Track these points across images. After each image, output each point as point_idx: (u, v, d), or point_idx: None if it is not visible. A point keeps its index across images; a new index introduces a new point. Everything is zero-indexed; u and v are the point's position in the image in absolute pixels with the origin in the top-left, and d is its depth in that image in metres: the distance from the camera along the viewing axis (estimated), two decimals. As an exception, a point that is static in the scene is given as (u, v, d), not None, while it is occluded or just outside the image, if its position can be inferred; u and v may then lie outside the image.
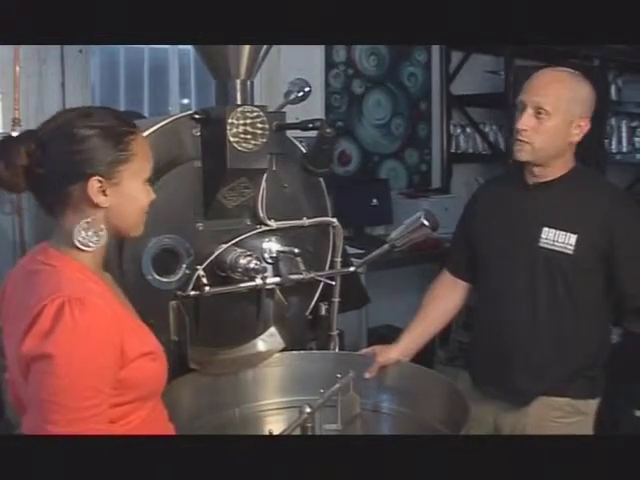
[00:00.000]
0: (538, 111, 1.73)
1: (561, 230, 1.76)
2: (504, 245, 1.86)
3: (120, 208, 1.23)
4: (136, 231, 1.30)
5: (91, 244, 1.22)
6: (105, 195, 1.21)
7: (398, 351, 1.88)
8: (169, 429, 1.35)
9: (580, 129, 1.77)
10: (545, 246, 1.78)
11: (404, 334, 1.94)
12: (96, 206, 1.21)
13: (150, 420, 1.26)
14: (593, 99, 1.79)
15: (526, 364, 1.81)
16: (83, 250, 1.22)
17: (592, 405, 1.86)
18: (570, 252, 1.75)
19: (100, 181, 1.20)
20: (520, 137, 1.76)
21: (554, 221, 1.78)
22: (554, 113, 1.72)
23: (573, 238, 1.75)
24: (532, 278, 1.80)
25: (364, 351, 1.94)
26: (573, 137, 1.77)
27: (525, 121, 1.74)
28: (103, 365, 1.13)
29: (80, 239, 1.21)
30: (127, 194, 1.23)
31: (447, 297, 2.01)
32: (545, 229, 1.78)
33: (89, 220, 1.21)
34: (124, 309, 1.26)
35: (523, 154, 1.77)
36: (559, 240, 1.76)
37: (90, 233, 1.22)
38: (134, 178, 1.24)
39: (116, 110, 1.30)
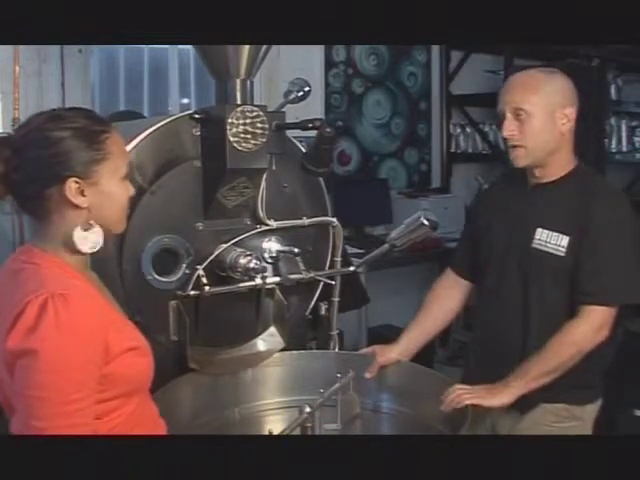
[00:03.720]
0: (517, 113, 1.73)
1: (554, 231, 1.74)
2: (501, 245, 1.85)
3: (100, 207, 1.23)
4: (119, 227, 1.31)
5: (98, 245, 1.24)
6: (84, 195, 1.21)
7: (398, 351, 1.88)
8: (158, 425, 1.35)
9: (567, 117, 1.75)
10: (537, 247, 1.76)
11: (404, 334, 1.94)
12: (76, 207, 1.21)
13: (136, 416, 1.26)
14: (571, 88, 1.78)
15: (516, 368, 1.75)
16: (84, 253, 1.23)
17: (589, 411, 1.83)
18: (562, 254, 1.72)
19: (77, 182, 1.20)
20: (510, 143, 1.75)
21: (548, 222, 1.75)
22: (532, 109, 1.71)
23: (565, 240, 1.72)
24: (525, 280, 1.79)
25: (364, 351, 1.94)
26: (561, 127, 1.75)
27: (508, 126, 1.74)
28: (87, 360, 1.14)
29: (87, 244, 1.22)
30: (106, 192, 1.24)
31: (448, 297, 2.01)
32: (539, 230, 1.76)
33: (79, 226, 1.22)
34: (108, 306, 1.27)
35: (520, 160, 1.76)
36: (551, 241, 1.74)
37: (90, 235, 1.23)
38: (111, 176, 1.24)
39: (88, 110, 1.30)
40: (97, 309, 1.18)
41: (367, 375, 1.82)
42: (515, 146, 1.75)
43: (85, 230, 1.22)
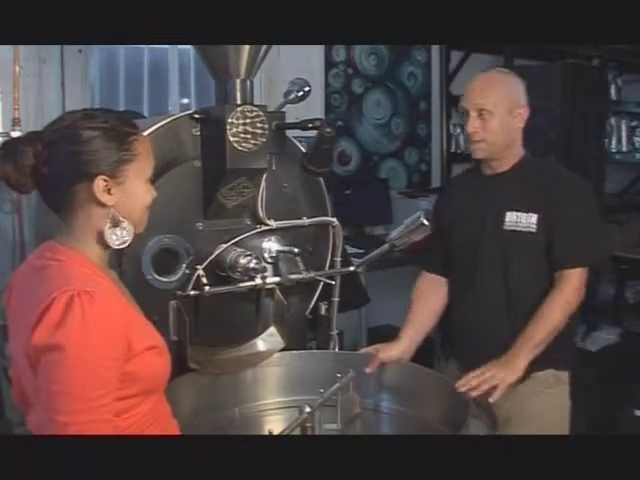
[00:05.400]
0: (481, 112, 1.90)
1: (522, 212, 1.90)
2: (472, 235, 1.97)
3: (124, 206, 1.26)
4: (139, 228, 1.33)
5: (127, 239, 1.27)
6: (110, 194, 1.24)
7: (398, 349, 1.90)
8: (172, 425, 1.36)
9: (521, 116, 1.94)
10: (510, 228, 1.90)
11: (402, 334, 1.96)
12: (101, 204, 1.24)
13: (153, 414, 1.28)
14: (523, 88, 1.97)
15: (504, 345, 1.82)
16: (113, 247, 1.26)
17: (567, 376, 1.98)
18: (534, 230, 1.88)
19: (105, 180, 1.23)
20: (473, 139, 1.94)
21: (515, 204, 1.91)
22: (495, 110, 1.89)
23: (534, 217, 1.88)
24: (503, 261, 1.92)
25: (364, 350, 1.94)
26: (517, 124, 1.95)
27: (472, 124, 1.92)
28: (111, 357, 1.16)
29: (116, 241, 1.25)
30: (131, 192, 1.26)
31: (432, 293, 2.07)
32: (508, 213, 1.91)
33: (108, 221, 1.24)
34: (129, 304, 1.29)
35: (480, 152, 1.96)
36: (522, 221, 1.90)
37: (119, 231, 1.25)
38: (137, 177, 1.27)
39: (118, 112, 1.33)
40: (120, 307, 1.21)
41: (368, 370, 1.83)
42: (476, 141, 1.94)
43: (115, 226, 1.25)
